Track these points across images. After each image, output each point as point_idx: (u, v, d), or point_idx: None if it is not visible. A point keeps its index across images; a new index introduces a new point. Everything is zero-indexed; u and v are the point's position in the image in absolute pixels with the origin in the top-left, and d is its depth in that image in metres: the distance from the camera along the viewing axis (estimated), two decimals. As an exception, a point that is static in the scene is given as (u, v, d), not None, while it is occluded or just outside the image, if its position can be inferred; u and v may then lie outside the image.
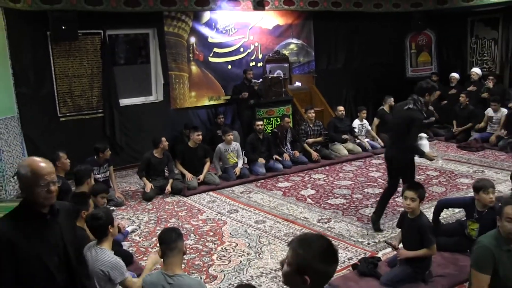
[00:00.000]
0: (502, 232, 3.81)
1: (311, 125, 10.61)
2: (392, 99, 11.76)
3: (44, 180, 2.95)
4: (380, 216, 6.57)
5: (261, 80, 11.19)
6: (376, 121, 11.74)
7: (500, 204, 4.45)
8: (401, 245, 5.18)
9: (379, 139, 11.43)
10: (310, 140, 10.51)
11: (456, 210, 7.10)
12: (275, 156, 9.93)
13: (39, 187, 2.94)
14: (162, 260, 3.79)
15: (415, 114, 6.21)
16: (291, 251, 2.45)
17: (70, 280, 3.10)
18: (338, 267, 4.82)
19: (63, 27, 9.35)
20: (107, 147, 8.39)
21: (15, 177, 8.66)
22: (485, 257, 3.77)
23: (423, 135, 7.77)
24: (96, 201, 5.92)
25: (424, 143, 7.13)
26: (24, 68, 9.44)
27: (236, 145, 9.63)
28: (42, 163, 3.03)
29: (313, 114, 10.69)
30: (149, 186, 8.53)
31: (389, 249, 5.86)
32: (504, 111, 10.97)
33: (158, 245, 3.81)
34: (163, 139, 8.77)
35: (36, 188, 2.93)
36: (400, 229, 5.31)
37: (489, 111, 11.24)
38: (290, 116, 10.86)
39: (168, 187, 8.66)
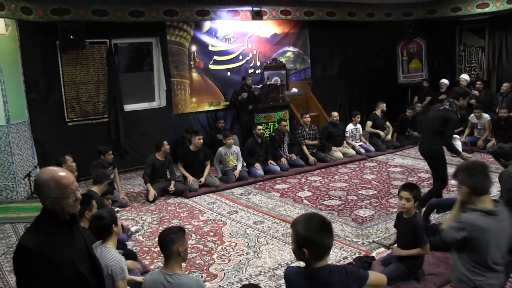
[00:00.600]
0: None
1: (307, 129, 10.60)
2: (384, 104, 11.77)
3: (71, 190, 2.83)
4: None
5: (260, 86, 11.17)
6: (369, 123, 11.71)
7: None
8: (395, 244, 5.15)
9: (380, 132, 11.65)
10: (308, 142, 10.48)
11: (447, 210, 7.09)
12: (270, 161, 9.91)
13: (67, 197, 2.80)
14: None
15: (451, 114, 6.58)
16: (293, 230, 2.86)
17: (99, 283, 3.02)
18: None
19: (72, 37, 9.39)
20: (109, 150, 8.38)
21: (26, 179, 8.65)
22: None
23: (456, 136, 7.87)
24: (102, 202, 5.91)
25: (458, 144, 7.23)
26: (34, 75, 9.49)
27: (236, 148, 9.61)
28: (63, 173, 2.89)
29: (309, 119, 10.68)
30: (152, 193, 8.45)
31: (383, 249, 5.85)
32: (487, 116, 10.98)
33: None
34: (165, 142, 8.76)
35: (65, 199, 2.80)
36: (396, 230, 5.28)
37: (473, 118, 11.25)
38: (287, 121, 10.86)
39: (172, 187, 8.66)
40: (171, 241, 3.59)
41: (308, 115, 10.70)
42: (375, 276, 3.14)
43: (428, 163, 7.17)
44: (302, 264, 2.91)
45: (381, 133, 11.61)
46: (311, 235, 2.74)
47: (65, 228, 2.85)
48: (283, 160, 10.03)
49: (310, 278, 2.81)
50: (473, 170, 3.63)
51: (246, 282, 5.13)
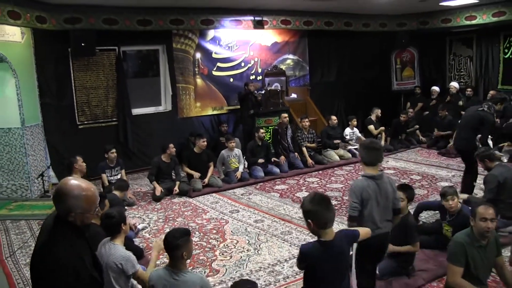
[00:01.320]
0: (476, 230, 3.91)
1: (306, 133, 10.61)
2: (379, 110, 11.78)
3: (95, 206, 2.78)
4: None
5: (263, 91, 11.20)
6: (371, 127, 11.68)
7: (470, 207, 4.48)
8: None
9: (377, 131, 11.65)
10: (308, 144, 10.50)
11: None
12: (273, 159, 9.95)
13: (91, 212, 2.74)
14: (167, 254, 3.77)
15: (488, 116, 6.96)
16: (301, 209, 3.32)
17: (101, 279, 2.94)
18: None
19: (83, 44, 9.43)
20: (112, 148, 8.43)
21: (39, 179, 8.69)
22: (458, 251, 3.89)
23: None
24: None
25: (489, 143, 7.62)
26: (47, 80, 9.55)
27: (237, 151, 9.63)
28: (91, 189, 2.76)
29: (308, 123, 10.70)
30: (159, 189, 8.50)
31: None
32: None
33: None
34: (171, 145, 8.78)
35: (88, 214, 2.72)
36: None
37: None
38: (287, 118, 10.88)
39: (176, 188, 8.66)
40: (176, 247, 3.59)
41: (307, 119, 10.72)
42: (363, 231, 3.63)
43: (463, 158, 7.70)
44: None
45: (381, 129, 11.69)
46: (313, 208, 3.22)
47: (82, 236, 2.78)
48: (282, 158, 10.02)
49: (326, 249, 3.22)
50: (368, 147, 4.09)
51: (247, 278, 5.15)
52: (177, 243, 3.59)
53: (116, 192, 6.44)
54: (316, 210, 3.20)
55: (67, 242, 2.66)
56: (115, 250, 4.15)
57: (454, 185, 8.46)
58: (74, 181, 2.74)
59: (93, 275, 2.73)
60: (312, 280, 3.33)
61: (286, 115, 10.32)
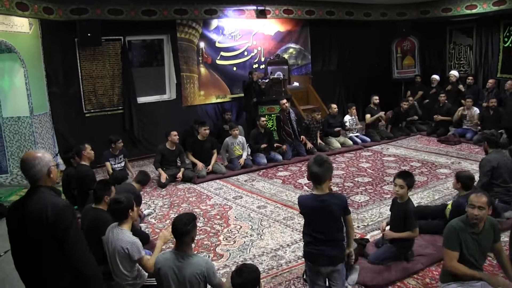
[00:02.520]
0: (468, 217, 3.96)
1: (315, 123, 10.59)
2: (375, 96, 11.69)
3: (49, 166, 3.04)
4: None
5: (267, 80, 11.20)
6: (367, 116, 11.69)
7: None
8: (388, 227, 5.21)
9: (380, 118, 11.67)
10: (304, 139, 10.53)
11: (436, 196, 7.18)
12: (275, 144, 9.99)
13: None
14: (174, 239, 3.82)
15: None
16: None
17: None
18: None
19: (89, 34, 9.48)
20: (119, 139, 8.42)
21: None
22: (451, 236, 3.94)
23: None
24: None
25: None
26: (55, 70, 9.59)
27: (241, 138, 9.65)
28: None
29: (320, 116, 10.72)
30: (164, 176, 8.58)
31: (376, 232, 5.92)
32: (476, 110, 10.99)
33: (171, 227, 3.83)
34: (173, 132, 8.79)
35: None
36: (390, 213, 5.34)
37: (463, 109, 11.26)
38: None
39: (180, 174, 8.73)
40: (187, 232, 3.64)
41: (319, 113, 10.75)
42: (351, 219, 4.01)
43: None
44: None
45: (382, 113, 11.63)
46: (309, 166, 3.79)
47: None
48: (284, 147, 10.04)
49: (318, 202, 3.74)
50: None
51: (250, 262, 5.21)
52: (187, 228, 3.64)
53: (135, 185, 6.47)
54: (310, 168, 3.75)
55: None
56: (122, 235, 4.21)
57: (453, 171, 8.53)
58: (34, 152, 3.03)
59: None
60: (307, 224, 3.93)
61: (284, 101, 10.23)
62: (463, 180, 5.30)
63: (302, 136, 10.32)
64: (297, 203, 4.08)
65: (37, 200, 2.87)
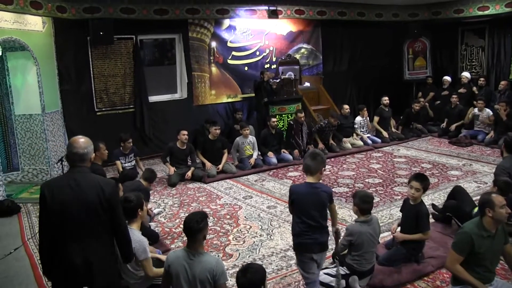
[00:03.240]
0: (495, 219, 3.88)
1: (330, 126, 10.51)
2: (385, 97, 11.60)
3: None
4: None
5: (279, 80, 11.15)
6: (376, 118, 11.67)
7: None
8: (399, 228, 5.16)
9: (383, 132, 11.45)
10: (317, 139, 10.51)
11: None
12: (283, 150, 9.93)
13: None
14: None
15: None
16: None
17: None
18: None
19: (101, 33, 9.50)
20: (129, 138, 8.41)
21: (58, 163, 8.75)
22: (464, 241, 3.88)
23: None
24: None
25: None
26: (67, 68, 9.61)
27: (252, 138, 9.62)
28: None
29: (336, 122, 10.62)
30: (172, 169, 8.63)
31: (387, 233, 5.85)
32: (489, 112, 10.89)
33: (182, 226, 3.79)
34: (182, 132, 8.78)
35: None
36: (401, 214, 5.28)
37: (474, 110, 11.16)
38: (303, 112, 10.84)
39: (189, 173, 8.72)
40: (199, 230, 3.61)
41: (336, 119, 10.62)
42: (335, 207, 4.51)
43: None
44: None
45: (385, 133, 11.51)
46: (304, 160, 4.31)
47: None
48: (296, 152, 10.00)
49: (311, 188, 4.13)
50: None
51: (259, 262, 5.17)
52: (200, 226, 3.61)
53: (143, 182, 6.48)
54: (305, 160, 4.24)
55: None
56: (131, 233, 4.18)
57: (464, 173, 8.45)
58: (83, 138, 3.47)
59: None
60: (299, 213, 4.15)
61: (301, 115, 10.18)
62: (500, 186, 5.21)
63: (308, 146, 10.23)
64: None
65: (88, 178, 3.31)
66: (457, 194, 6.18)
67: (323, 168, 4.25)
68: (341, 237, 4.57)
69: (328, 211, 4.30)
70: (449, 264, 3.99)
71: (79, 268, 3.20)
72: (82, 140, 3.41)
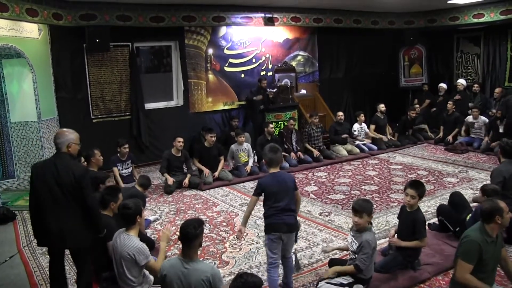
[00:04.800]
0: (491, 228, 3.91)
1: (314, 128, 10.60)
2: (381, 104, 11.73)
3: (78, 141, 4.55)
4: None
5: (275, 89, 11.17)
6: (372, 126, 11.72)
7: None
8: (395, 235, 5.16)
9: (383, 136, 11.53)
10: (308, 147, 10.55)
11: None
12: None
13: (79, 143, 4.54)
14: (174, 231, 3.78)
15: None
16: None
17: None
18: (339, 255, 4.84)
19: (97, 40, 9.49)
20: (125, 143, 8.42)
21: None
22: (473, 250, 3.85)
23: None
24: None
25: None
26: (63, 75, 9.60)
27: (247, 145, 9.64)
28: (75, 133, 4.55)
29: (317, 120, 10.68)
30: (170, 180, 8.60)
31: (383, 240, 5.86)
32: (485, 119, 10.94)
33: (178, 233, 3.80)
34: (177, 138, 8.81)
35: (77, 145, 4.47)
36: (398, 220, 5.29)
37: (469, 118, 11.23)
38: (296, 120, 10.91)
39: (186, 181, 8.72)
40: (196, 237, 3.61)
41: (317, 117, 10.69)
42: (299, 193, 4.86)
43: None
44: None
45: (383, 137, 11.55)
46: (264, 155, 4.80)
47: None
48: (292, 154, 10.04)
49: (277, 177, 4.63)
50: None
51: (256, 270, 5.18)
52: (197, 232, 3.62)
53: (139, 188, 6.52)
54: (267, 155, 4.68)
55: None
56: (129, 240, 4.20)
57: (460, 180, 8.47)
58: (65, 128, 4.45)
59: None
60: (268, 200, 4.60)
61: (293, 122, 10.38)
62: (488, 193, 5.22)
63: (298, 153, 10.29)
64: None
65: (64, 162, 4.18)
66: (457, 199, 6.17)
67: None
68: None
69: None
70: (460, 275, 3.91)
71: (54, 233, 4.10)
72: (59, 132, 4.39)
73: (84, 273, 4.40)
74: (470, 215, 5.58)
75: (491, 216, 3.90)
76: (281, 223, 4.49)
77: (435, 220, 6.33)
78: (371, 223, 4.59)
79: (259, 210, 7.28)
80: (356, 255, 4.48)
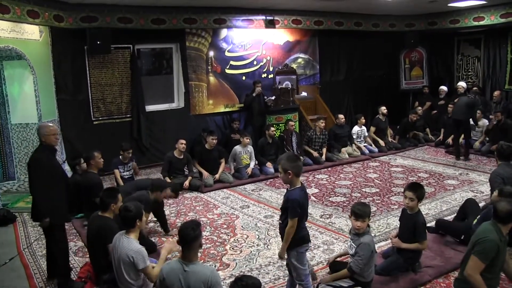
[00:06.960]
0: (506, 228, 3.96)
1: (318, 133, 10.54)
2: (383, 107, 11.65)
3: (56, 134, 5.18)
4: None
5: (274, 97, 11.11)
6: (372, 129, 11.70)
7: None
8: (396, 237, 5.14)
9: (380, 141, 11.48)
10: (306, 148, 10.52)
11: (444, 208, 7.07)
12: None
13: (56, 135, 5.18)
14: (179, 248, 3.76)
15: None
16: (279, 166, 4.17)
17: None
18: (340, 258, 4.81)
19: (98, 42, 9.48)
20: (129, 148, 8.37)
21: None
22: (492, 250, 3.86)
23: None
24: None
25: None
26: (64, 77, 9.58)
27: (250, 148, 9.60)
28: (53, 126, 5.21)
29: (323, 124, 10.63)
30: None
31: (384, 242, 5.85)
32: (486, 122, 10.93)
33: (178, 236, 3.78)
34: (180, 140, 8.77)
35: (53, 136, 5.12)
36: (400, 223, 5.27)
37: (471, 120, 11.18)
38: (297, 122, 10.91)
39: (186, 183, 8.67)
40: (195, 238, 3.59)
41: (323, 122, 10.64)
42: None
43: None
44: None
45: (382, 142, 11.52)
46: (292, 163, 4.08)
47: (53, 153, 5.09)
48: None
49: (304, 191, 4.15)
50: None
51: (257, 272, 5.16)
52: (196, 234, 3.60)
53: (172, 194, 6.54)
54: (291, 165, 4.05)
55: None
56: (128, 243, 4.18)
57: (461, 183, 8.45)
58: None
59: (63, 169, 5.28)
60: (303, 216, 4.15)
61: (293, 123, 10.36)
62: (506, 196, 5.18)
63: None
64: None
65: (38, 151, 5.00)
66: (474, 208, 6.12)
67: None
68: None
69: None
70: (472, 272, 3.90)
71: (32, 207, 5.00)
72: (40, 124, 5.42)
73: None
74: (476, 219, 5.55)
75: (510, 217, 3.92)
76: (307, 233, 4.30)
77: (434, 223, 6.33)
78: (369, 226, 4.56)
79: (259, 212, 7.31)
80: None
